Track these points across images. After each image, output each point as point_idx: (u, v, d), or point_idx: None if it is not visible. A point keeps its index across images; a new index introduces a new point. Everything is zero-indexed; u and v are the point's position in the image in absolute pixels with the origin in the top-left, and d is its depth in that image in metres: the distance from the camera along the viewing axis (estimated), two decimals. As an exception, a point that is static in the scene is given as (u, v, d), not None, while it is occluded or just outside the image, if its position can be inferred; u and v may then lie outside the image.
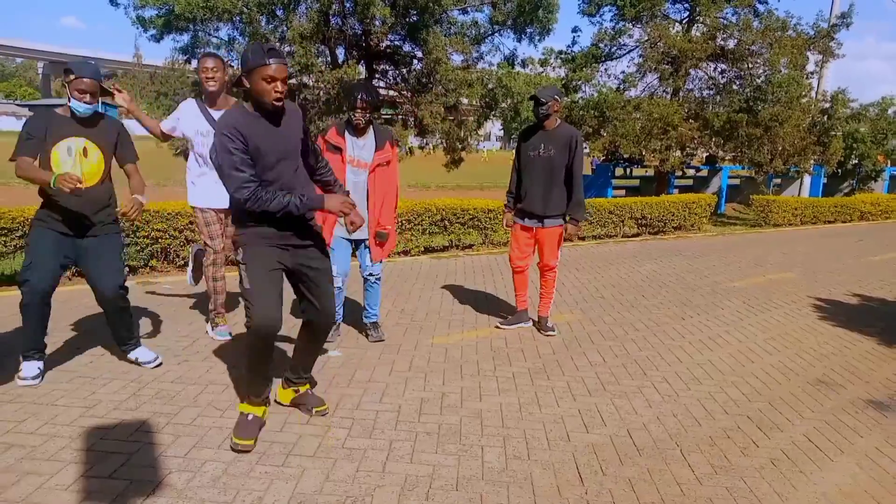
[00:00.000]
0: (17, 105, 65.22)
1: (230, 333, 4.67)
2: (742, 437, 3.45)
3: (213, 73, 4.26)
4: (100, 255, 3.78)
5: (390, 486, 2.81)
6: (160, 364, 4.07)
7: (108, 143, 3.78)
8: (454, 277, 7.22)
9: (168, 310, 5.35)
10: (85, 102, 3.58)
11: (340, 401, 3.68)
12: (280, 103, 2.94)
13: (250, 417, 3.16)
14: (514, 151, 5.18)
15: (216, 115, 4.27)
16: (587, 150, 16.92)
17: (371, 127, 4.43)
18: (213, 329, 4.70)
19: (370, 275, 4.67)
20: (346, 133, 4.37)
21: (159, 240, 6.70)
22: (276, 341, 3.19)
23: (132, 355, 4.07)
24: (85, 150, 3.68)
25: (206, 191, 4.39)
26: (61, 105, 3.71)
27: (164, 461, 2.92)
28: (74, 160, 3.64)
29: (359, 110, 4.24)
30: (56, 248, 3.67)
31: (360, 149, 4.38)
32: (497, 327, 5.20)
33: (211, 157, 3.04)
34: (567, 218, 4.88)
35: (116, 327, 3.98)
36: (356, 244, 4.59)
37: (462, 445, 3.21)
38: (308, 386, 3.56)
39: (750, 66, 15.42)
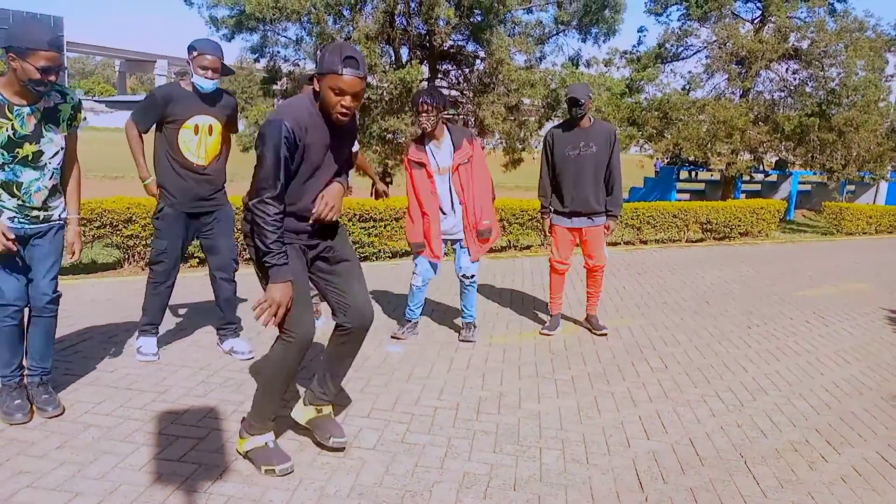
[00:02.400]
0: (95, 101, 68.24)
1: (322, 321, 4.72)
2: (810, 451, 3.34)
3: None
4: (215, 233, 4.02)
5: (448, 482, 2.84)
6: (252, 358, 4.15)
7: (224, 119, 3.93)
8: (512, 278, 7.20)
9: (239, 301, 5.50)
10: (208, 79, 3.73)
11: (399, 396, 3.73)
12: (345, 120, 2.60)
13: (271, 445, 2.83)
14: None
15: None
16: (650, 153, 16.64)
17: (446, 130, 4.44)
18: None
19: (465, 276, 4.64)
20: (426, 145, 4.43)
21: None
22: None
23: (228, 343, 4.21)
24: (210, 127, 3.84)
25: None
26: (137, 101, 3.88)
27: (230, 447, 3.01)
28: (200, 139, 3.81)
29: (423, 114, 4.27)
30: (184, 232, 3.93)
31: (441, 155, 4.42)
32: (541, 333, 5.10)
33: (255, 144, 2.64)
34: (608, 215, 4.87)
35: (222, 307, 4.18)
36: (453, 244, 4.64)
37: (520, 446, 3.21)
38: (332, 407, 3.13)
39: (824, 68, 14.86)
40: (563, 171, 4.84)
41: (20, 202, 3.00)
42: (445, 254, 4.66)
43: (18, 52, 2.78)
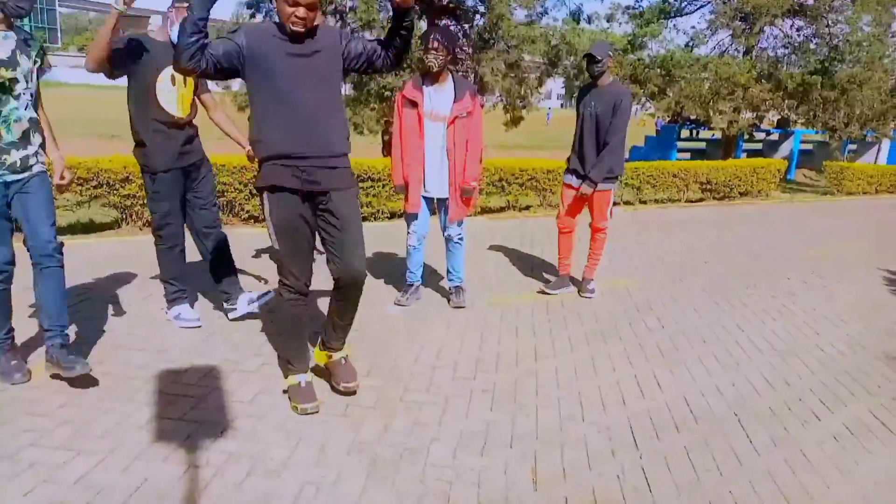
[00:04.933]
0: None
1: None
2: (804, 409, 3.38)
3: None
4: (206, 182, 3.95)
5: (446, 439, 2.88)
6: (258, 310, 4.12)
7: None
8: (511, 239, 7.20)
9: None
10: None
11: (398, 356, 3.76)
12: (300, 31, 2.67)
13: (303, 384, 3.07)
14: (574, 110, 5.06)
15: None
16: (651, 111, 16.46)
17: (451, 77, 4.30)
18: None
19: (450, 235, 4.57)
20: (424, 86, 4.26)
21: (225, 193, 6.87)
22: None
23: (243, 299, 4.06)
24: (185, 78, 3.70)
25: None
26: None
27: (231, 406, 3.05)
28: (177, 90, 3.70)
29: (431, 52, 4.09)
30: (181, 189, 3.83)
31: (437, 100, 4.24)
32: (541, 292, 5.11)
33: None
34: (585, 177, 4.72)
35: (224, 263, 4.09)
36: (438, 203, 4.51)
37: (517, 405, 3.25)
38: (345, 352, 3.29)
39: (829, 23, 14.60)
40: (576, 128, 4.85)
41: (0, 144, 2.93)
42: (433, 213, 4.60)
43: None
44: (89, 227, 6.59)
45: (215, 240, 4.03)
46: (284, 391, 3.14)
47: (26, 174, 3.04)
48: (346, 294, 3.06)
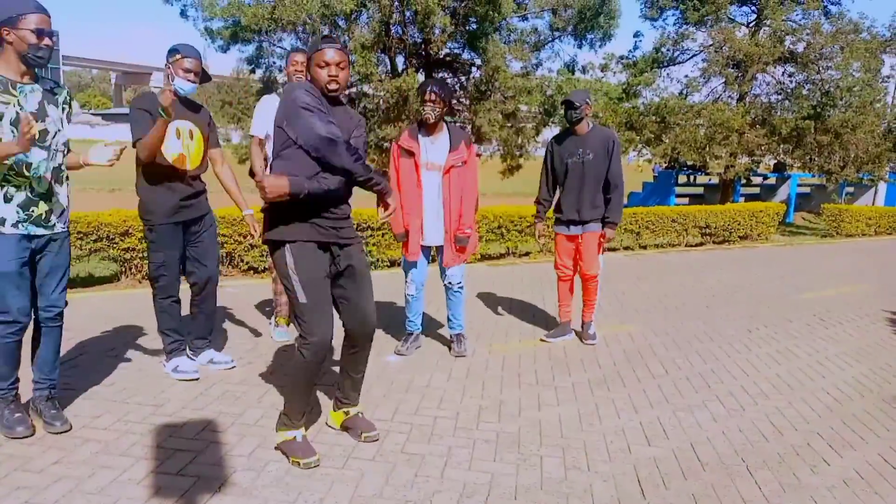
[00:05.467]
0: (92, 115, 68.38)
1: (287, 334, 4.73)
2: (812, 454, 3.32)
3: (303, 66, 4.21)
4: (204, 243, 3.94)
5: (449, 492, 2.82)
6: (234, 367, 4.16)
7: (205, 127, 3.86)
8: (511, 285, 7.19)
9: (232, 313, 5.50)
10: (190, 81, 3.67)
11: (399, 405, 3.71)
12: (335, 88, 2.88)
13: (299, 439, 3.02)
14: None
15: None
16: (648, 157, 16.65)
17: (446, 127, 4.34)
18: (274, 329, 4.79)
19: (450, 283, 4.55)
20: (420, 136, 4.31)
21: (224, 244, 6.90)
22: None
23: (204, 356, 4.15)
24: (191, 132, 3.76)
25: None
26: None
27: (229, 460, 3.00)
28: (182, 142, 3.72)
29: (428, 104, 4.16)
30: (179, 242, 3.82)
31: (433, 150, 4.29)
32: (542, 340, 5.06)
33: (281, 125, 2.84)
34: (605, 222, 4.78)
35: (201, 322, 4.10)
36: (436, 251, 4.51)
37: (521, 454, 3.19)
38: (359, 408, 3.34)
39: (820, 70, 14.91)
40: (562, 179, 4.81)
41: (28, 194, 2.95)
42: (433, 259, 4.60)
43: (9, 23, 2.80)
44: (88, 281, 6.59)
45: (204, 295, 4.05)
46: (276, 447, 3.06)
47: (48, 232, 3.06)
48: (359, 346, 3.15)
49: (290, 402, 3.02)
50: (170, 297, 3.89)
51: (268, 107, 4.35)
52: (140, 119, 3.59)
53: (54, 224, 3.09)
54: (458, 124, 13.80)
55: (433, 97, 4.15)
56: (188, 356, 4.06)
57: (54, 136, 3.05)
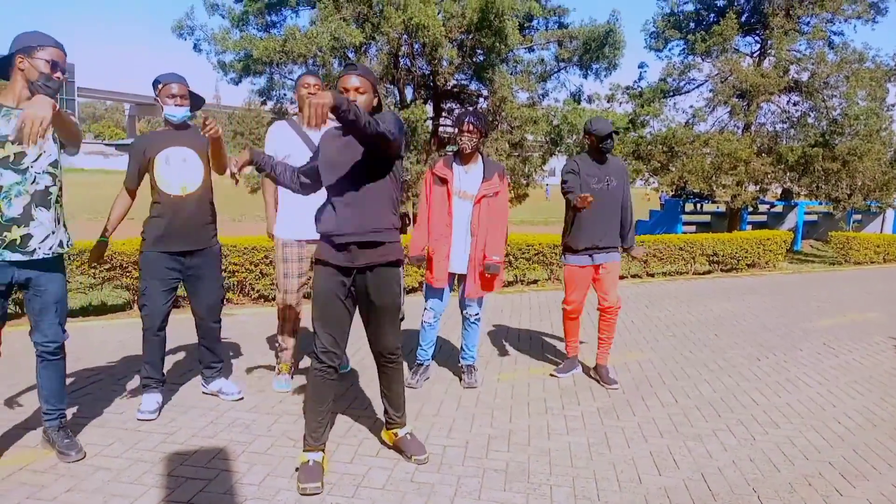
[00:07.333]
0: (105, 145, 69.29)
1: (288, 384, 4.37)
2: (825, 485, 3.30)
3: (315, 89, 4.17)
4: (201, 279, 3.89)
5: (459, 522, 2.81)
6: (241, 398, 4.14)
7: (202, 151, 3.78)
8: (520, 313, 7.20)
9: (244, 341, 5.53)
10: (178, 105, 3.67)
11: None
12: None
13: (311, 464, 3.07)
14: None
15: (314, 136, 4.05)
16: (656, 186, 16.71)
17: (480, 158, 4.41)
18: (276, 376, 4.46)
19: (468, 314, 4.55)
20: (455, 164, 4.38)
21: (235, 273, 6.96)
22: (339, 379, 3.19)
23: (214, 385, 4.14)
24: (184, 158, 3.74)
25: (294, 220, 4.14)
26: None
27: (239, 489, 3.00)
28: (172, 168, 3.71)
29: (465, 134, 4.23)
30: (166, 272, 3.74)
31: (467, 179, 4.34)
32: (552, 375, 4.94)
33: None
34: (623, 248, 4.80)
35: (205, 353, 4.09)
36: (458, 280, 4.51)
37: (530, 484, 3.19)
38: (408, 428, 3.48)
39: (825, 99, 15.00)
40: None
41: None
42: (452, 289, 4.64)
43: (25, 51, 2.87)
44: (101, 310, 6.65)
45: (205, 329, 4.04)
46: (297, 469, 3.12)
47: (26, 258, 2.95)
48: (386, 367, 3.36)
49: (305, 423, 3.15)
50: (150, 328, 3.78)
51: (278, 132, 4.24)
52: (130, 160, 3.81)
53: (34, 250, 2.97)
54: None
55: (470, 128, 4.23)
56: (159, 394, 3.90)
57: (36, 160, 2.94)
